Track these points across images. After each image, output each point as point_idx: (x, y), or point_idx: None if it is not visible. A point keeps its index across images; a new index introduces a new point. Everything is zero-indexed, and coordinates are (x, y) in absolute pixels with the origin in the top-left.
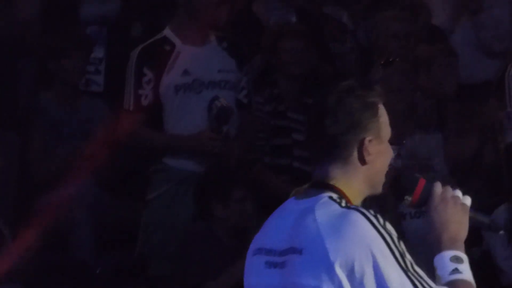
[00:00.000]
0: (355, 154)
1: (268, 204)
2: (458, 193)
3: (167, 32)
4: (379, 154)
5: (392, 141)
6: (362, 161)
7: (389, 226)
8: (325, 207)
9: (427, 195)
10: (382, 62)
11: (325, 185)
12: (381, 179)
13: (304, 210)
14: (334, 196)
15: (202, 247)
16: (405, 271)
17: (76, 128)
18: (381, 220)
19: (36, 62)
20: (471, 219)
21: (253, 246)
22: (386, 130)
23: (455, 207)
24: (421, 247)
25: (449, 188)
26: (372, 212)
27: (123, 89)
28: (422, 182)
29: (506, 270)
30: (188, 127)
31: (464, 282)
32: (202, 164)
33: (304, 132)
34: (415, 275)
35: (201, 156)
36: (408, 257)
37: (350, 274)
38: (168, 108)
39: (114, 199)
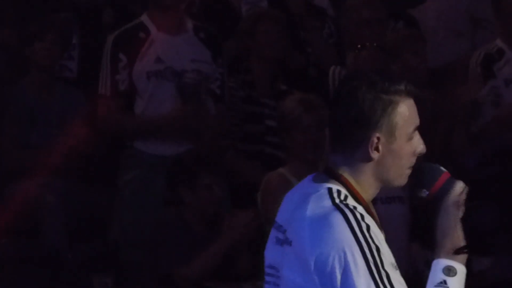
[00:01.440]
0: (363, 148)
1: (239, 190)
2: None
3: (144, 18)
4: (391, 152)
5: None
6: (368, 157)
7: (373, 232)
8: (317, 201)
9: (446, 190)
10: (356, 47)
11: (332, 174)
12: (396, 175)
13: (305, 196)
14: (334, 188)
15: (172, 233)
16: (377, 282)
17: (51, 115)
18: (364, 225)
19: (10, 49)
20: None
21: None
22: (404, 129)
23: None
24: (389, 234)
25: (465, 193)
26: (358, 214)
27: (96, 75)
28: (445, 176)
29: None
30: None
31: None
32: (173, 148)
33: (276, 118)
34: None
35: (174, 138)
36: (387, 268)
37: (323, 276)
38: (140, 94)
39: (86, 185)
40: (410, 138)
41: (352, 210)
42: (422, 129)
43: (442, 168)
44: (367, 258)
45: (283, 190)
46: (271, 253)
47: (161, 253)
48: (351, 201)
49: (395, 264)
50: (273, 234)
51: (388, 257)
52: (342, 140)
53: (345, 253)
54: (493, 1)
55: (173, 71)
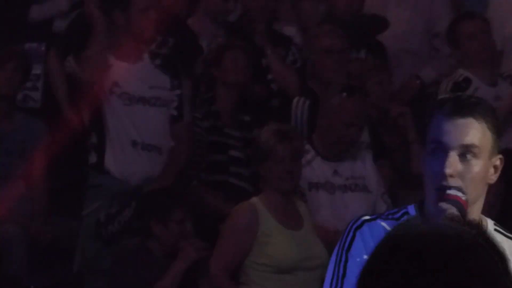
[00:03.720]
0: None
1: (203, 220)
2: None
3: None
4: None
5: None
6: None
7: (358, 233)
8: None
9: None
10: (342, 89)
11: None
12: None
13: None
14: None
15: (136, 264)
16: None
17: (12, 145)
18: (356, 224)
19: None
20: None
21: None
22: None
23: None
24: None
25: None
26: (366, 217)
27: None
28: None
29: None
30: (121, 134)
31: None
32: (136, 177)
33: (241, 148)
34: None
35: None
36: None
37: None
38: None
39: (50, 215)
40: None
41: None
42: None
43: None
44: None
45: (253, 221)
46: None
47: (124, 282)
48: None
49: None
50: None
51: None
52: None
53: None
54: (448, 34)
55: (131, 97)
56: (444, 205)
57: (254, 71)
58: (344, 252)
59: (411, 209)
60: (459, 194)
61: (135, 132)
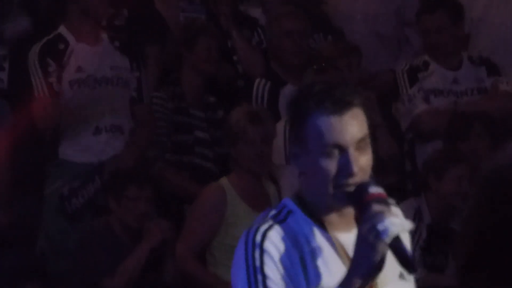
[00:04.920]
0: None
1: (168, 201)
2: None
3: (62, 29)
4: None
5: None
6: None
7: (267, 245)
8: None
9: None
10: (315, 67)
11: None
12: (317, 189)
13: None
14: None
15: (100, 244)
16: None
17: None
18: (259, 238)
19: None
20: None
21: None
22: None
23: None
24: None
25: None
26: (263, 227)
27: (26, 87)
28: (373, 196)
29: None
30: (84, 121)
31: None
32: (99, 155)
33: (206, 129)
34: None
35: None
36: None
37: None
38: (63, 102)
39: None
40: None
41: (264, 223)
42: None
43: (375, 188)
44: (249, 275)
45: (221, 202)
46: None
47: (88, 263)
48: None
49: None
50: None
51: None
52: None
53: (234, 269)
54: (416, 19)
55: (95, 79)
56: (376, 206)
57: (220, 52)
58: (259, 272)
59: (290, 205)
60: (379, 190)
61: (98, 116)
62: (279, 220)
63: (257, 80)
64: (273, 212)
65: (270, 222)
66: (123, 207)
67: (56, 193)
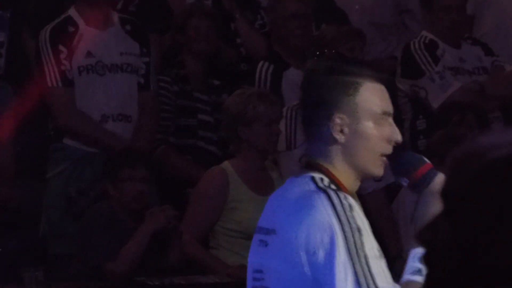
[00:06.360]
0: (328, 132)
1: (171, 184)
2: None
3: (72, 12)
4: (356, 134)
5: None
6: (334, 140)
7: (356, 213)
8: (300, 187)
9: (427, 181)
10: (317, 52)
11: (312, 165)
12: (367, 161)
13: (286, 190)
14: (317, 176)
15: (101, 226)
16: (354, 263)
17: None
18: (347, 206)
19: None
20: None
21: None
22: (368, 111)
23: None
24: None
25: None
26: (342, 195)
27: (24, 72)
28: (427, 166)
29: None
30: (92, 108)
31: (419, 284)
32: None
33: (209, 112)
34: (365, 269)
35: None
36: (366, 251)
37: (309, 256)
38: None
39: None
40: (377, 122)
41: (336, 191)
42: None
43: (425, 159)
44: (348, 238)
45: (223, 186)
46: (256, 257)
47: (90, 246)
48: (334, 187)
49: (380, 251)
50: (255, 239)
51: (369, 242)
52: (309, 128)
53: (327, 233)
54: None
55: (104, 65)
56: (439, 176)
57: (223, 35)
58: (349, 211)
59: (318, 178)
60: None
61: (106, 104)
62: (326, 186)
63: (260, 63)
64: (312, 184)
65: (324, 188)
66: (120, 189)
67: (57, 177)
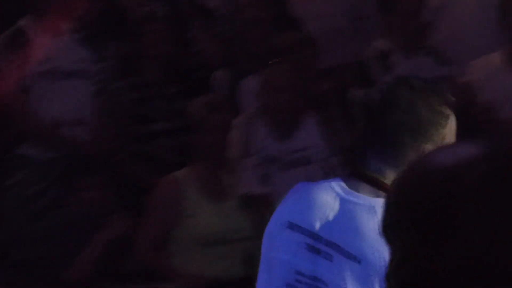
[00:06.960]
0: (410, 158)
1: (126, 192)
2: None
3: (26, 20)
4: None
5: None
6: None
7: None
8: (373, 219)
9: None
10: (270, 62)
11: (381, 185)
12: None
13: (361, 208)
14: (379, 204)
15: (60, 234)
16: None
17: None
18: None
19: None
20: None
21: (279, 217)
22: (448, 142)
23: None
24: None
25: None
26: None
27: None
28: None
29: None
30: (47, 114)
31: None
32: (59, 150)
33: (167, 120)
34: None
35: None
36: None
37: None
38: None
39: None
40: None
41: None
42: None
43: None
44: None
45: (176, 195)
46: (303, 262)
47: (48, 253)
48: None
49: None
50: (295, 238)
51: None
52: (390, 148)
53: None
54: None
55: (59, 72)
56: None
57: (180, 43)
58: None
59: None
60: None
61: (61, 110)
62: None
63: (217, 71)
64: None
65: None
66: (77, 197)
67: (17, 185)
